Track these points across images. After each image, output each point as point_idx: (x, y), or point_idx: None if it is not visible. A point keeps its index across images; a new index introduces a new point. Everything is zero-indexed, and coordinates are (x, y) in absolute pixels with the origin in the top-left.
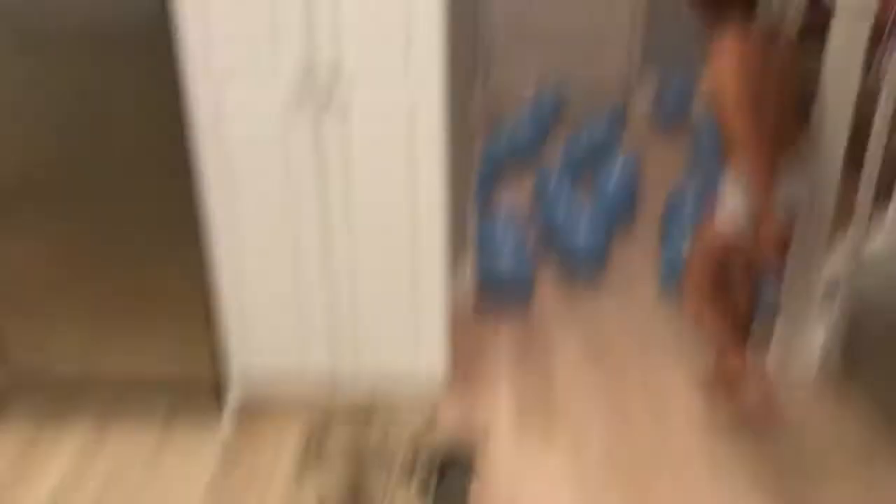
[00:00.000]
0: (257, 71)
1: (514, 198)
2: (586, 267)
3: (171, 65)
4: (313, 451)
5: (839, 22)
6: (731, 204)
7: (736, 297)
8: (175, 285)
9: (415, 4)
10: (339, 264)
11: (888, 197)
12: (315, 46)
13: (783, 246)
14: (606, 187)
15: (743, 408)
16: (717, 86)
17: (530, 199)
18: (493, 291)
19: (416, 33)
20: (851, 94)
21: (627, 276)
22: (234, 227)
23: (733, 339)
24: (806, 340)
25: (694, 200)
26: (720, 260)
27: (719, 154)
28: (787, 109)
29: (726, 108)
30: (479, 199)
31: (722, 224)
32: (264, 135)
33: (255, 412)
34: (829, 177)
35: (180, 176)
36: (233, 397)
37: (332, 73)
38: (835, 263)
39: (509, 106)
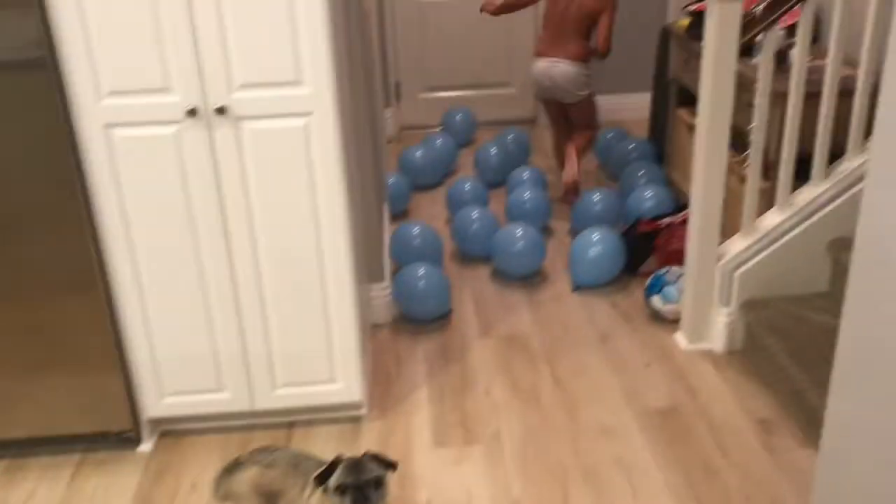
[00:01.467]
0: (147, 106)
1: (429, 211)
2: (503, 275)
3: (58, 108)
4: (225, 488)
5: (711, 6)
6: None
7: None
8: (79, 335)
9: (301, 36)
10: (246, 297)
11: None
12: (204, 81)
13: None
14: (521, 198)
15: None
16: None
17: (446, 213)
18: (410, 309)
19: (306, 68)
20: (730, 76)
21: (542, 280)
22: (134, 267)
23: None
24: (711, 320)
25: (601, 204)
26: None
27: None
28: None
29: None
30: (394, 215)
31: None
32: (159, 169)
33: (170, 455)
34: (716, 162)
35: (74, 220)
36: (146, 442)
37: (223, 104)
38: (730, 246)
39: (422, 124)
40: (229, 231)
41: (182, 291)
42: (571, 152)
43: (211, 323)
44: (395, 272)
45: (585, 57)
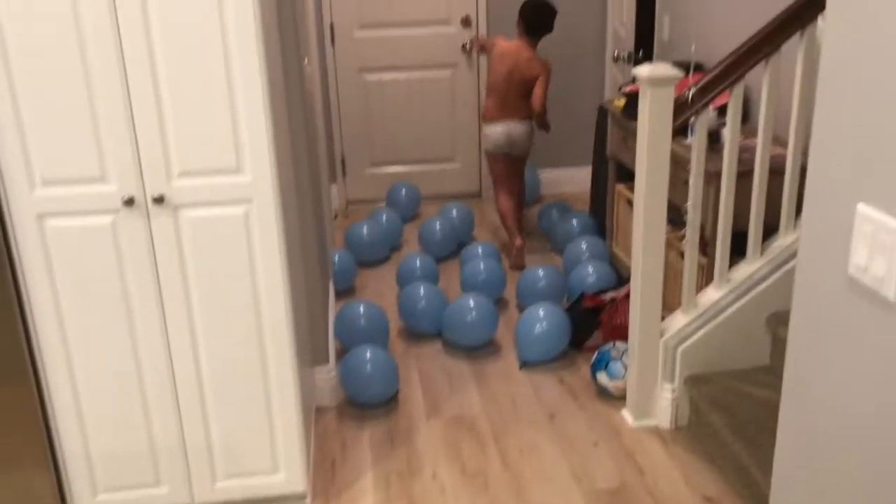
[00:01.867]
0: (82, 195)
1: (376, 287)
2: (454, 346)
3: None
4: None
5: (644, 90)
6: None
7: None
8: (7, 429)
9: (241, 123)
10: (184, 386)
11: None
12: (142, 170)
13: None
14: (476, 270)
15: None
16: None
17: (393, 289)
18: (357, 393)
19: (246, 156)
20: (665, 157)
21: (491, 354)
22: (68, 359)
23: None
24: (656, 396)
25: (546, 280)
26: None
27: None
28: None
29: None
30: (340, 291)
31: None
32: (95, 259)
33: None
34: (655, 240)
35: (4, 311)
36: None
37: (161, 193)
38: (672, 322)
39: (369, 198)
40: (167, 320)
41: (117, 383)
42: (520, 217)
43: (148, 414)
44: (341, 353)
45: (531, 115)
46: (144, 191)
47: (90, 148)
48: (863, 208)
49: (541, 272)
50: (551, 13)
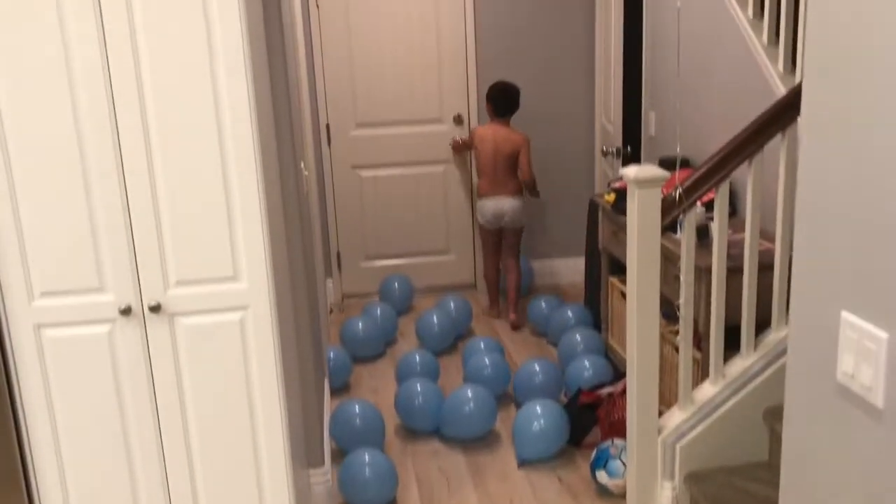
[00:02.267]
0: (79, 305)
1: (371, 384)
2: (452, 440)
3: None
4: None
5: (631, 190)
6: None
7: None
8: None
9: (238, 232)
10: (178, 492)
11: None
12: (139, 280)
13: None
14: (481, 364)
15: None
16: None
17: (388, 385)
18: (354, 498)
19: (242, 264)
20: (655, 254)
21: (489, 450)
22: (60, 467)
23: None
24: (656, 494)
25: (542, 376)
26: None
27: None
28: None
29: None
30: (336, 389)
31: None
32: (91, 368)
33: None
34: (648, 339)
35: None
36: None
37: (158, 302)
38: (670, 419)
39: (364, 292)
40: (162, 427)
41: (111, 492)
42: (511, 293)
43: None
44: (336, 454)
45: (520, 190)
46: (141, 300)
47: (89, 259)
48: (847, 316)
49: (537, 367)
50: (515, 92)
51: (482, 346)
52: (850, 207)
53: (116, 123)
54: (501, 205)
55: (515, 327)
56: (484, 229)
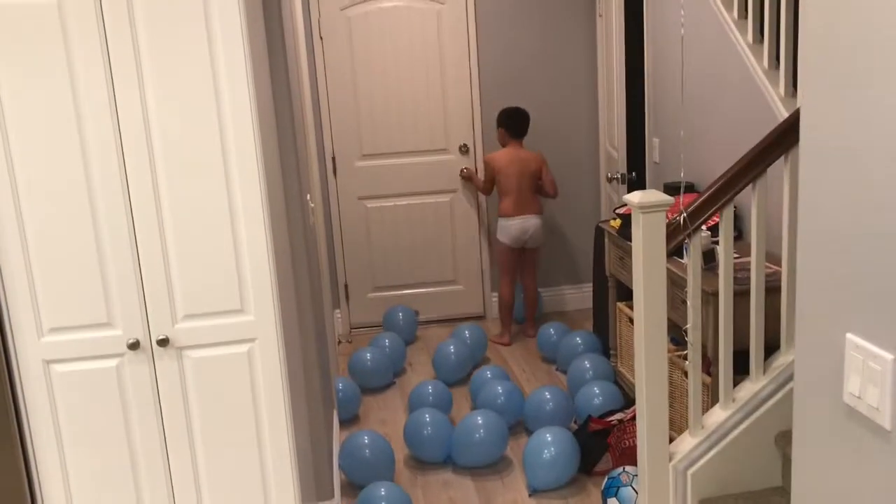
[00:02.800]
0: (88, 341)
1: (379, 415)
2: (462, 469)
3: None
4: None
5: (636, 216)
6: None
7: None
8: None
9: (245, 266)
10: None
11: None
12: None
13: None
14: (494, 392)
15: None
16: None
17: (396, 416)
18: None
19: (250, 297)
20: (661, 279)
21: (500, 479)
22: (68, 500)
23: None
24: None
25: (552, 403)
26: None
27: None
28: None
29: None
30: (344, 420)
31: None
32: (99, 402)
33: None
34: (657, 364)
35: (7, 454)
36: None
37: (166, 335)
38: (680, 445)
39: (372, 323)
40: (170, 460)
41: None
42: (532, 310)
43: None
44: (346, 486)
45: (542, 210)
46: (149, 334)
47: (97, 294)
48: (852, 338)
49: (547, 394)
50: (527, 114)
51: (489, 374)
52: (851, 230)
53: (124, 161)
54: (527, 224)
55: (532, 336)
56: (506, 250)
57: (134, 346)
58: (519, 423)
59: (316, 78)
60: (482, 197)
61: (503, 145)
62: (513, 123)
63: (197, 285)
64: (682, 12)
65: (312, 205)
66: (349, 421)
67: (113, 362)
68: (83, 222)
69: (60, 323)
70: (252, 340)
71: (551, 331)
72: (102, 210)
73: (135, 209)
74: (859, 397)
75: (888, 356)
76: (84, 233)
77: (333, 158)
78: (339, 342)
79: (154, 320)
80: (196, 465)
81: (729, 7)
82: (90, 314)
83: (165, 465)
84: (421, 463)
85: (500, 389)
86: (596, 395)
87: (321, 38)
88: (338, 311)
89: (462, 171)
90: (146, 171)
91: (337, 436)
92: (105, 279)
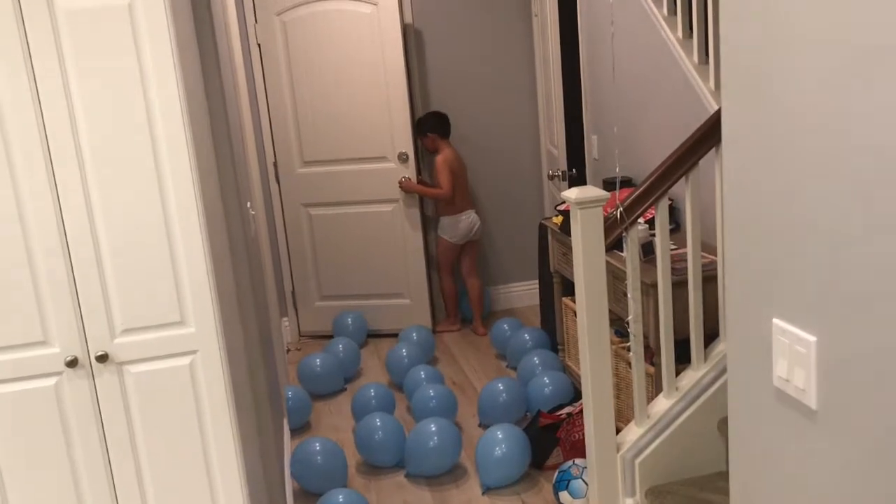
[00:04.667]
0: (23, 360)
1: (330, 421)
2: (417, 477)
3: None
4: None
5: (574, 211)
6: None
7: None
8: None
9: (183, 276)
10: None
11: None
12: (85, 330)
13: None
14: (426, 395)
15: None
16: None
17: (349, 422)
18: None
19: (189, 308)
20: (601, 271)
21: (453, 481)
22: None
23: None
24: None
25: (506, 394)
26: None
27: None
28: None
29: None
30: (295, 428)
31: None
32: (38, 423)
33: None
34: (601, 355)
35: None
36: None
37: (105, 351)
38: (627, 435)
39: (320, 332)
40: (115, 479)
41: None
42: (479, 308)
43: None
44: (298, 494)
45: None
46: (87, 351)
47: (31, 312)
48: (778, 322)
49: (500, 386)
50: (447, 115)
51: (422, 375)
52: (772, 218)
53: (53, 171)
54: (472, 218)
55: (484, 335)
56: (450, 247)
57: (72, 363)
58: (472, 420)
59: (255, 83)
60: (427, 207)
61: (435, 149)
62: (442, 125)
63: (135, 298)
64: (612, 10)
65: (253, 212)
66: (300, 429)
67: (51, 381)
68: (12, 236)
69: None
70: (194, 353)
71: (505, 326)
72: (32, 223)
73: (66, 222)
74: (787, 380)
75: (811, 338)
76: (14, 247)
77: (275, 164)
78: (289, 350)
79: (92, 336)
80: (142, 484)
81: (659, 4)
82: (24, 332)
83: (110, 485)
84: (374, 468)
85: (432, 393)
86: (546, 384)
87: (258, 44)
88: (286, 319)
89: (401, 181)
90: (76, 182)
91: (288, 445)
92: (39, 295)
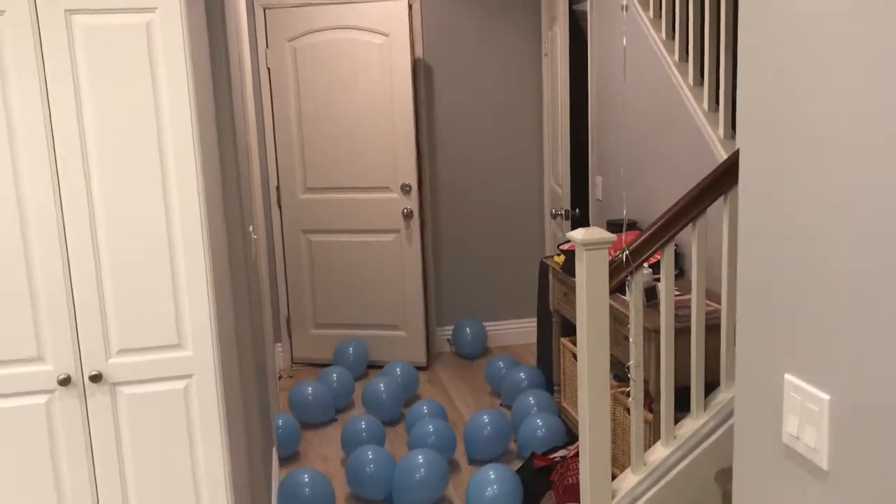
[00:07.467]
0: (16, 376)
1: (320, 451)
2: None
3: None
4: None
5: (579, 252)
6: None
7: None
8: None
9: (183, 300)
10: None
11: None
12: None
13: None
14: (425, 431)
15: None
16: None
17: (339, 453)
18: None
19: (187, 332)
20: (604, 315)
21: None
22: None
23: None
24: None
25: (491, 430)
26: None
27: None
28: None
29: None
30: (284, 458)
31: None
32: (27, 441)
33: None
34: (600, 401)
35: None
36: None
37: (99, 371)
38: (623, 482)
39: (314, 359)
40: (100, 502)
41: None
42: None
43: None
44: None
45: None
46: (81, 370)
47: (27, 328)
48: (790, 378)
49: (486, 418)
50: None
51: (425, 410)
52: (789, 273)
53: (59, 187)
54: None
55: None
56: None
57: (65, 381)
58: (460, 457)
59: (262, 107)
60: (428, 239)
61: None
62: None
63: (133, 319)
64: (625, 54)
65: (255, 236)
66: (289, 458)
67: (42, 399)
68: (13, 250)
69: None
70: (189, 377)
71: (500, 364)
72: (34, 239)
73: (69, 239)
74: (797, 437)
75: (825, 397)
76: (14, 261)
77: (278, 188)
78: (280, 377)
79: (87, 355)
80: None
81: (671, 50)
82: (19, 348)
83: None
84: (361, 501)
85: (430, 428)
86: (539, 427)
87: (268, 68)
88: (279, 344)
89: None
90: (82, 199)
91: (276, 474)
92: (36, 311)
